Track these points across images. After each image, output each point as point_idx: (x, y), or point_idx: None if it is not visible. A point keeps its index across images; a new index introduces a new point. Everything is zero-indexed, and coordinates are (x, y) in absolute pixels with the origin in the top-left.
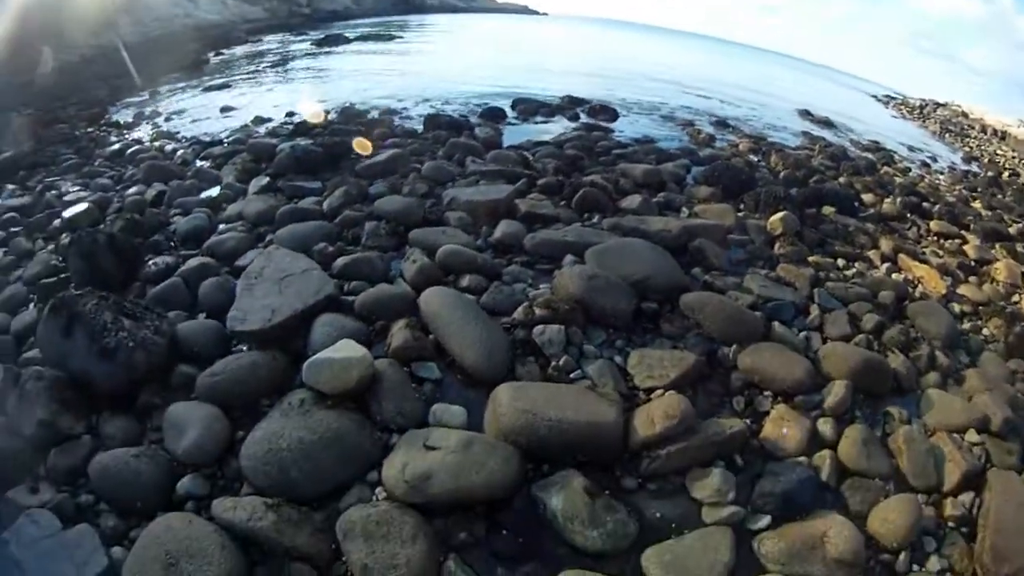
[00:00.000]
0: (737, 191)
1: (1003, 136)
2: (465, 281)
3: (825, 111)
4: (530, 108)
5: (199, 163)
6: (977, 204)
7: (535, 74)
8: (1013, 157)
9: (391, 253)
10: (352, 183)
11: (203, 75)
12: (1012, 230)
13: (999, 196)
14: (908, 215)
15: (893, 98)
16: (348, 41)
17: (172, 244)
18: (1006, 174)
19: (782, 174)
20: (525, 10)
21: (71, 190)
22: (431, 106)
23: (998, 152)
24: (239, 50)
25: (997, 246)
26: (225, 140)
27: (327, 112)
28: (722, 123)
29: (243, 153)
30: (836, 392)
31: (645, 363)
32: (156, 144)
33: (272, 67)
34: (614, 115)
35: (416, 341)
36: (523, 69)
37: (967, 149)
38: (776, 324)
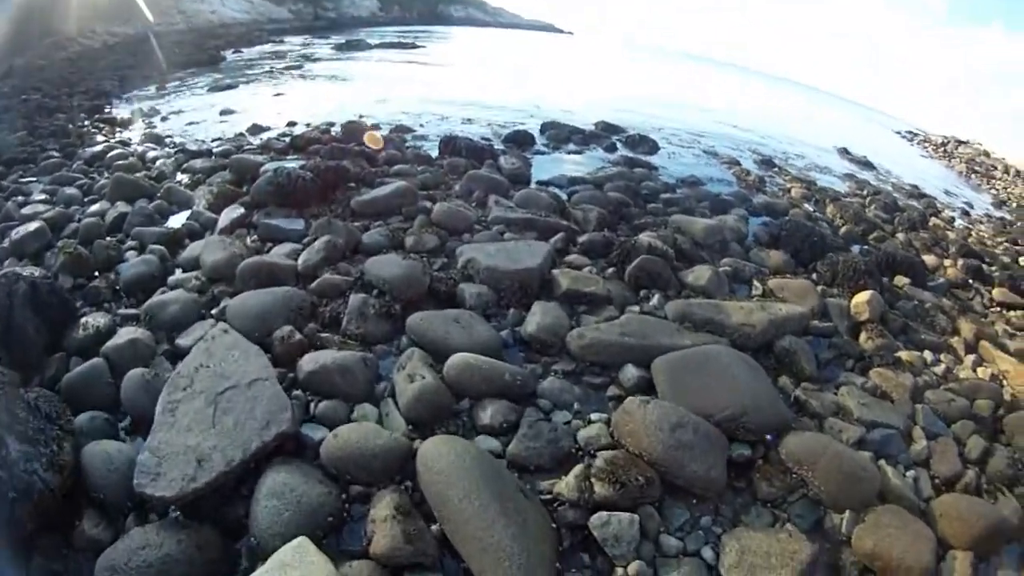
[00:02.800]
0: (809, 257)
1: None
2: (486, 414)
3: (860, 148)
4: (561, 134)
5: (179, 177)
6: None
7: (563, 95)
8: None
9: (381, 347)
10: (340, 229)
11: (215, 72)
12: None
13: None
14: (971, 281)
15: (916, 134)
16: (369, 47)
17: (114, 292)
18: None
19: (843, 229)
20: (551, 27)
21: (35, 199)
22: (450, 125)
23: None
24: (258, 49)
25: None
26: (214, 150)
27: (331, 125)
28: (767, 162)
29: (225, 171)
30: (960, 571)
31: (746, 564)
32: (139, 149)
33: (286, 69)
34: (654, 147)
35: (410, 542)
36: (550, 88)
37: (994, 191)
38: (887, 469)
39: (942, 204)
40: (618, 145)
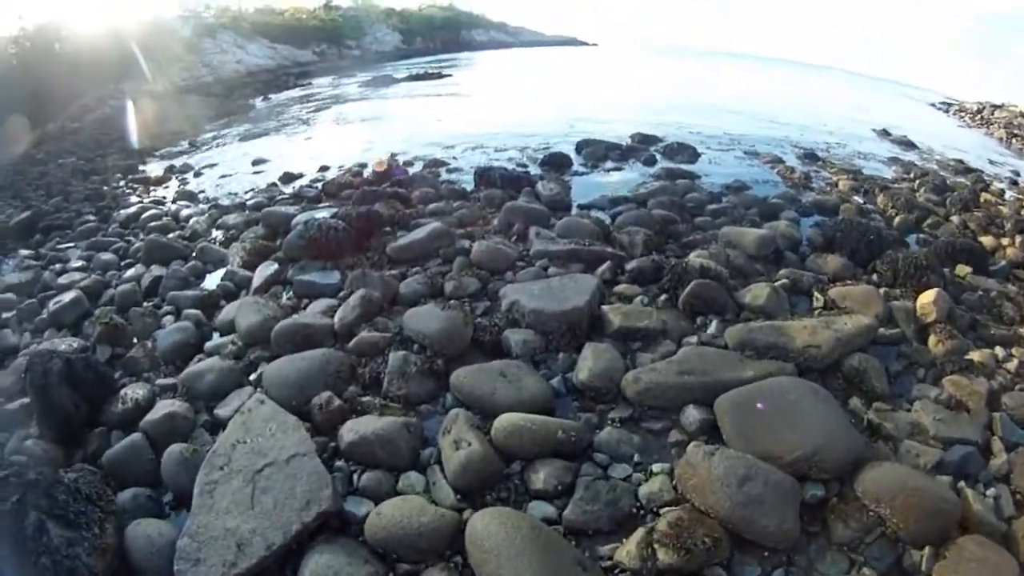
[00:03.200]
0: (867, 256)
1: None
2: (539, 478)
3: (898, 128)
4: (598, 151)
5: (213, 233)
6: None
7: (597, 109)
8: None
9: (425, 407)
10: (375, 281)
11: (246, 122)
12: None
13: None
14: None
15: (951, 104)
16: (396, 81)
17: (152, 361)
18: None
19: (896, 220)
20: (574, 41)
21: (72, 266)
22: (484, 154)
23: None
24: (286, 95)
25: None
26: (247, 203)
27: (363, 166)
28: (810, 155)
29: (258, 225)
30: None
31: None
32: (173, 208)
33: (315, 111)
34: (694, 154)
35: None
36: (582, 105)
37: None
38: (968, 492)
39: (989, 176)
40: (657, 157)
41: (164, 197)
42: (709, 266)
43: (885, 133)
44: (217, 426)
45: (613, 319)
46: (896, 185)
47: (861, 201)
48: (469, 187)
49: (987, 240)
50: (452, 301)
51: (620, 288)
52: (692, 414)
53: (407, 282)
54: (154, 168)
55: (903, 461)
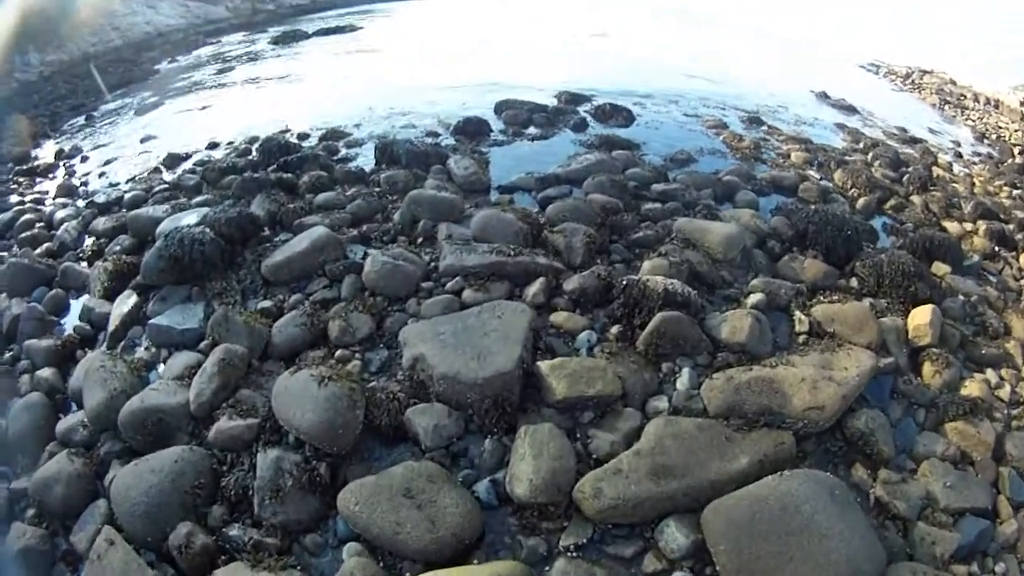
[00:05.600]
0: (844, 255)
1: (997, 105)
2: None
3: (834, 89)
4: (520, 115)
5: (85, 241)
6: None
7: (519, 61)
8: (1016, 131)
9: (311, 538)
10: (239, 328)
11: (146, 89)
12: None
13: None
14: (996, 249)
15: (879, 66)
16: (307, 36)
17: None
18: (1019, 154)
19: (860, 203)
20: None
21: None
22: (390, 122)
23: (1000, 125)
24: (195, 55)
25: None
26: (125, 195)
27: (254, 140)
28: (755, 119)
29: (125, 235)
30: None
31: None
32: (49, 210)
33: (217, 73)
34: (628, 117)
35: None
36: (503, 59)
37: (970, 123)
38: None
39: (934, 147)
40: (588, 120)
41: (45, 193)
42: (674, 290)
43: (824, 96)
44: (77, 558)
45: (555, 386)
46: (850, 158)
47: (818, 177)
48: (370, 165)
49: (952, 227)
50: (337, 357)
51: (559, 319)
52: (674, 535)
53: (282, 324)
54: (46, 153)
55: (919, 552)
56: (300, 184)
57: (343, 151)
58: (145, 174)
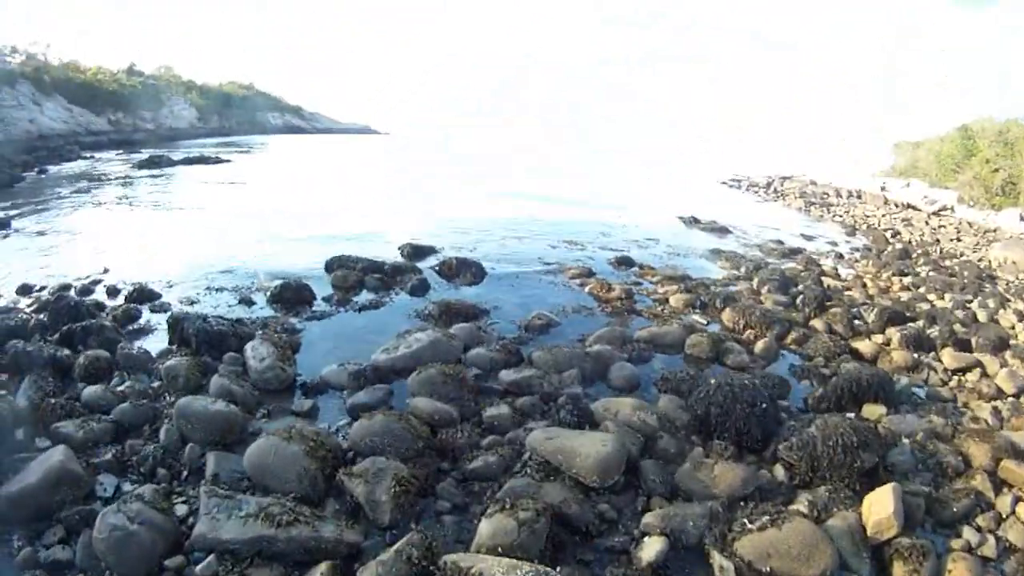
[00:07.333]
0: (760, 437)
1: (859, 195)
2: None
3: (702, 212)
4: (350, 276)
5: None
6: (933, 296)
7: (366, 213)
8: (883, 216)
9: None
10: None
11: (3, 201)
12: (1006, 325)
13: (927, 272)
14: (916, 356)
15: (739, 180)
16: (172, 163)
17: None
18: (894, 238)
19: (759, 345)
20: (367, 129)
21: None
22: (207, 278)
23: (867, 214)
24: (65, 168)
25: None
26: None
27: (63, 291)
28: (624, 260)
29: None
30: None
31: None
32: None
33: (74, 193)
34: (478, 272)
35: None
36: (351, 206)
37: (838, 219)
38: None
39: (814, 253)
40: (430, 281)
41: None
42: None
43: (694, 220)
44: None
45: None
46: (735, 288)
47: (705, 323)
48: (162, 344)
49: (864, 346)
50: None
51: None
52: None
53: None
54: None
55: None
56: (76, 365)
57: (144, 318)
58: None
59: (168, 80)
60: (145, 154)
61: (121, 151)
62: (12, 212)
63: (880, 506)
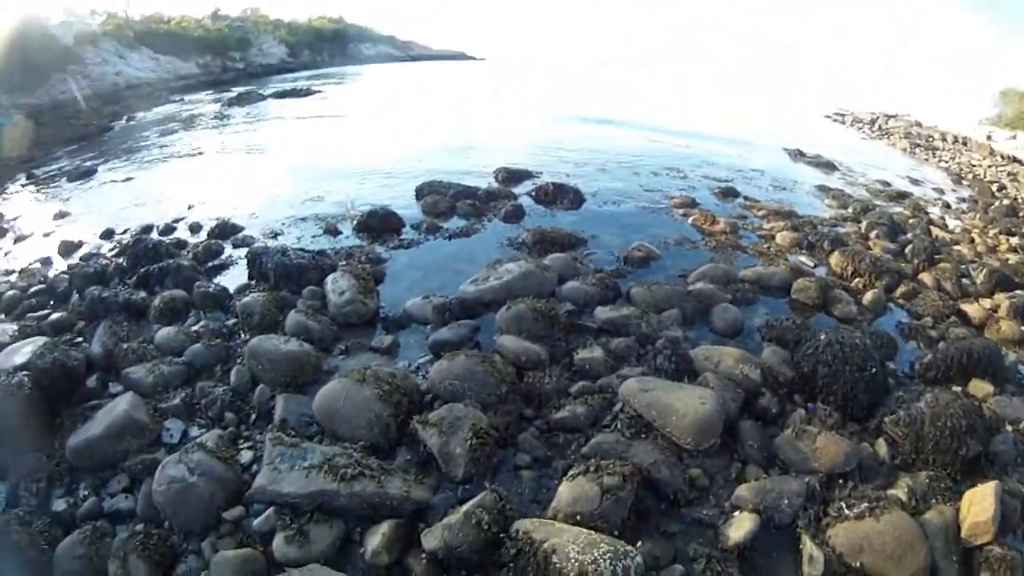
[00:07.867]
0: (866, 404)
1: (965, 143)
2: None
3: (807, 144)
4: (441, 203)
5: None
6: None
7: (463, 135)
8: (990, 167)
9: None
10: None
11: (89, 150)
12: None
13: None
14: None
15: (844, 115)
16: (262, 98)
17: None
18: (1000, 192)
19: (868, 296)
20: (462, 55)
21: None
22: (292, 209)
23: (973, 164)
24: (153, 113)
25: None
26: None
27: (145, 233)
28: (729, 191)
29: None
30: None
31: None
32: None
33: (160, 136)
34: (576, 198)
35: None
36: (448, 128)
37: (944, 164)
38: None
39: (921, 199)
40: (525, 207)
41: None
42: (598, 571)
43: (800, 154)
44: None
45: None
46: (842, 229)
47: (812, 265)
48: (241, 279)
49: (973, 310)
50: None
51: None
52: None
53: (63, 550)
54: None
55: None
56: (152, 308)
57: (226, 253)
58: (38, 265)
59: (255, 21)
60: (235, 92)
61: (211, 91)
62: (99, 160)
63: (980, 508)
